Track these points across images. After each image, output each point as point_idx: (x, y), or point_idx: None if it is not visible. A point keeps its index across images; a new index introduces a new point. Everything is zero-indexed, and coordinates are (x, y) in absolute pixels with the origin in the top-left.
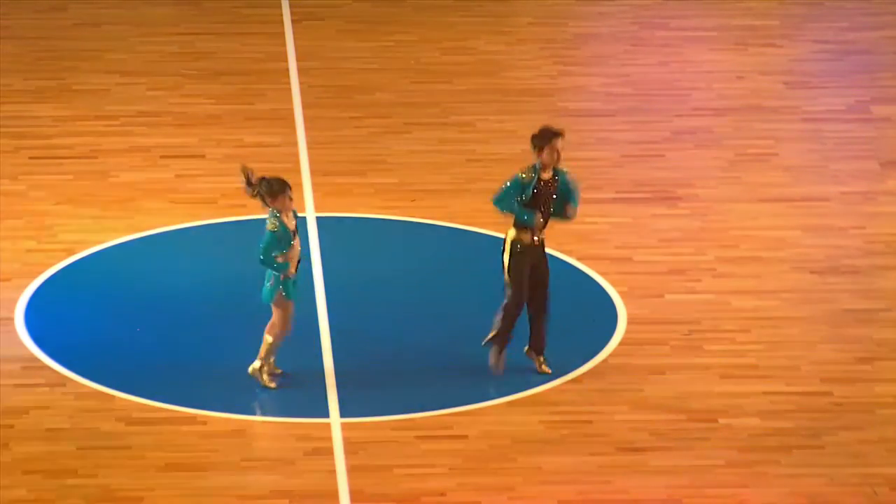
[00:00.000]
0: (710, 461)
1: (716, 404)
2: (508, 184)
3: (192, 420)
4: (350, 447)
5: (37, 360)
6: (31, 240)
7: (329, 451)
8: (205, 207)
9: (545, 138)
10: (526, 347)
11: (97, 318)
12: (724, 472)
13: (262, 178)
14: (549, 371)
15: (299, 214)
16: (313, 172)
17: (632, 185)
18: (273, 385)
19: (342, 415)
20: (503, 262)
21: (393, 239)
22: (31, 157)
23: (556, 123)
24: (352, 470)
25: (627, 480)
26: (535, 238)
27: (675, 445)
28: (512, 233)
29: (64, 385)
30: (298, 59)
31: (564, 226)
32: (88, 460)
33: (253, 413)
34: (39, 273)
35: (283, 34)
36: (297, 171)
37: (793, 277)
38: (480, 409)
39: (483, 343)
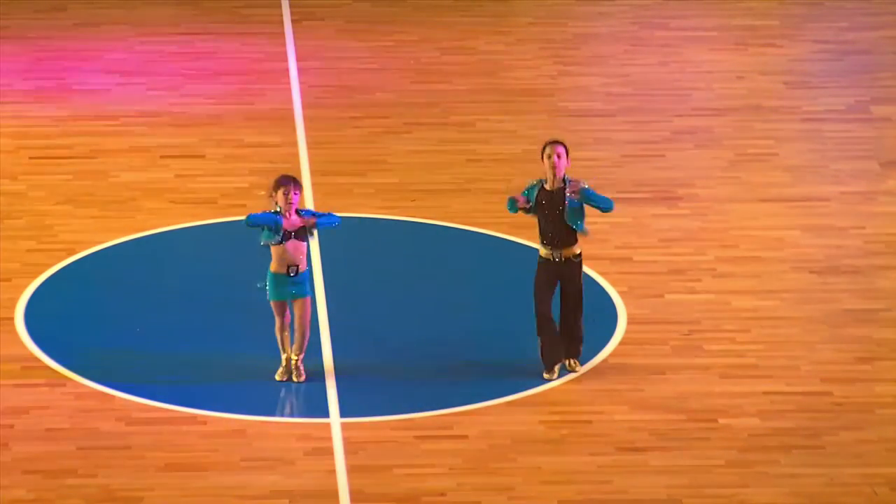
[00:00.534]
0: (710, 461)
1: (716, 404)
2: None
3: (192, 420)
4: (350, 447)
5: (37, 360)
6: (31, 240)
7: (329, 451)
8: (205, 207)
9: (542, 149)
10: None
11: (97, 318)
12: (724, 472)
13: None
14: (577, 369)
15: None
16: (313, 172)
17: (632, 185)
18: (301, 378)
19: (342, 415)
20: None
21: (393, 239)
22: (31, 157)
23: (556, 123)
24: (352, 470)
25: (627, 480)
26: (553, 255)
27: (674, 445)
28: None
29: (64, 385)
30: (298, 59)
31: None
32: (88, 460)
33: (253, 413)
34: (39, 273)
35: (283, 34)
36: (297, 171)
37: (792, 277)
38: (480, 409)
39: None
